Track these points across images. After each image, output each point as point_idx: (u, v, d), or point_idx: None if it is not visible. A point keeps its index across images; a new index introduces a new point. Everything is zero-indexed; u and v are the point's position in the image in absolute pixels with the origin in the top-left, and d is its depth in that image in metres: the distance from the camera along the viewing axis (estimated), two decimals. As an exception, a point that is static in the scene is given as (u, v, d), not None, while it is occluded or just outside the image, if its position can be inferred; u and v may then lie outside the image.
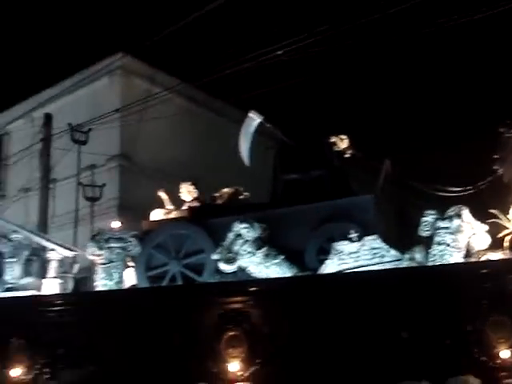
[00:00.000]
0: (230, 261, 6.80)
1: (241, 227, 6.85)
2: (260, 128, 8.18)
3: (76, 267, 8.76)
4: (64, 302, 6.97)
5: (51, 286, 7.62)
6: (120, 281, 7.31)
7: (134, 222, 15.68)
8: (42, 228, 14.45)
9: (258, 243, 6.85)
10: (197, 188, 9.13)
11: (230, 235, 6.89)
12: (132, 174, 16.56)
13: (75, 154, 16.10)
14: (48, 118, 16.28)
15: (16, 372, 6.48)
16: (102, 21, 20.41)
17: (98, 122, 15.93)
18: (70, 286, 8.45)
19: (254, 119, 8.08)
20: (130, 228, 15.30)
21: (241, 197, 8.80)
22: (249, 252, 6.79)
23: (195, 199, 8.83)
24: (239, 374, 5.91)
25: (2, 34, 20.26)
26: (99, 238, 7.42)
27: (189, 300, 6.51)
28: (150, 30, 15.17)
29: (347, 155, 7.92)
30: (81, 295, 7.64)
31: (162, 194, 9.20)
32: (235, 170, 17.15)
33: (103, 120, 15.94)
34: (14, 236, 8.04)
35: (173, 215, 8.35)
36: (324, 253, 6.87)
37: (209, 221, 7.49)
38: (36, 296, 7.42)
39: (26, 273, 7.85)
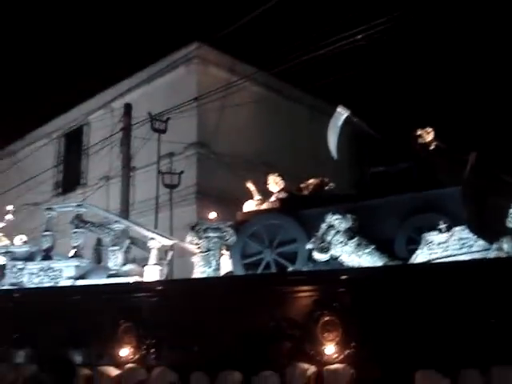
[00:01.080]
0: (323, 250, 7.41)
1: (333, 218, 7.43)
2: (347, 122, 8.67)
3: (170, 254, 9.56)
4: (165, 288, 7.71)
5: (152, 272, 8.42)
6: (217, 268, 8.02)
7: (212, 209, 16.68)
8: (124, 215, 15.36)
9: (350, 233, 7.42)
10: (283, 179, 9.70)
11: (323, 226, 7.47)
12: (209, 162, 17.32)
13: (154, 142, 17.00)
14: (128, 108, 17.19)
15: (124, 352, 7.20)
16: (178, 11, 21.19)
17: (177, 110, 16.77)
18: (166, 272, 9.26)
19: (342, 113, 8.58)
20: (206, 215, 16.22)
21: (326, 187, 9.30)
22: (341, 242, 7.38)
23: (282, 190, 9.38)
24: (334, 356, 6.50)
25: (81, 26, 21.37)
26: (198, 228, 8.12)
27: (284, 287, 7.11)
28: (225, 19, 15.82)
29: (433, 147, 8.33)
30: (181, 281, 8.37)
31: (250, 185, 9.77)
32: (312, 156, 17.82)
33: (181, 109, 16.79)
34: (115, 226, 8.87)
35: (264, 206, 8.97)
36: (413, 243, 7.38)
37: (300, 211, 8.12)
38: (139, 282, 8.22)
39: (128, 260, 8.68)
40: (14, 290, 8.27)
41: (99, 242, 9.72)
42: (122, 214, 15.06)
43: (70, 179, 20.30)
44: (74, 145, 20.43)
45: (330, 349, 6.52)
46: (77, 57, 21.68)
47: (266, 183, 9.71)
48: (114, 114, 18.69)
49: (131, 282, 8.24)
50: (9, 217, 10.91)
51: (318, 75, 16.89)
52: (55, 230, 9.19)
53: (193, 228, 8.13)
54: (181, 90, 17.55)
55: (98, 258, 12.47)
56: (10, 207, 10.96)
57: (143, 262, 8.98)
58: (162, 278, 8.66)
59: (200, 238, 8.02)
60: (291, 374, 6.46)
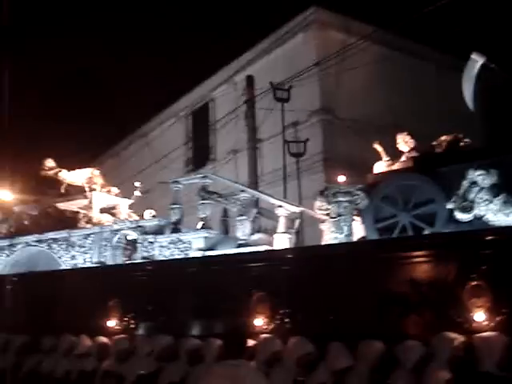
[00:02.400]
0: (466, 209, 6.71)
1: (476, 174, 6.69)
2: (483, 69, 7.80)
3: (297, 222, 9.27)
4: (297, 256, 7.38)
5: (281, 240, 8.15)
6: (350, 233, 7.58)
7: (340, 175, 16.21)
8: (253, 187, 15.33)
9: (495, 190, 6.65)
10: (413, 138, 9.04)
11: (464, 183, 6.76)
12: (334, 127, 16.78)
13: (278, 112, 16.73)
14: (250, 80, 17.03)
15: (259, 322, 6.98)
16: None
17: (298, 78, 16.35)
18: (294, 240, 8.97)
19: (477, 60, 7.72)
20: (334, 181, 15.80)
21: (461, 144, 8.53)
22: (485, 200, 6.63)
23: (413, 149, 8.74)
24: (485, 323, 5.88)
25: (198, 5, 21.47)
26: (328, 192, 7.72)
27: (424, 251, 6.53)
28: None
29: None
30: (313, 249, 8.00)
31: (377, 146, 9.22)
32: (440, 114, 16.73)
33: (302, 76, 16.34)
34: (241, 196, 8.67)
35: (396, 166, 8.38)
36: None
37: (436, 170, 7.42)
38: (271, 250, 7.97)
39: (256, 229, 8.47)
40: (146, 263, 8.35)
41: (225, 213, 9.61)
42: (250, 185, 14.99)
43: (200, 155, 20.60)
44: (201, 121, 20.67)
45: (479, 316, 5.89)
46: (196, 34, 21.86)
47: (393, 145, 9.11)
48: (237, 88, 18.65)
49: (263, 250, 8.01)
50: (137, 193, 11.15)
51: (443, 28, 15.75)
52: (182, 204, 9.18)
53: (322, 193, 7.71)
54: (301, 57, 17.11)
55: (225, 228, 12.50)
56: (137, 184, 11.20)
57: (269, 232, 8.76)
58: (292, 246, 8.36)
59: (330, 203, 7.60)
60: (437, 344, 5.91)
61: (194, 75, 20.06)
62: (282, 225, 8.33)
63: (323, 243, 8.64)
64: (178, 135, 20.87)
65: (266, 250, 8.00)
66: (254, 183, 15.81)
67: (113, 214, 10.50)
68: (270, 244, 8.20)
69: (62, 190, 10.47)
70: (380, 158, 9.21)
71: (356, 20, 17.46)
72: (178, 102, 21.07)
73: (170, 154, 19.10)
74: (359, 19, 17.46)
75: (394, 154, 9.18)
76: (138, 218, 10.36)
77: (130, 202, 10.97)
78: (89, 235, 9.32)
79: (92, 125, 21.02)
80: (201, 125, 20.60)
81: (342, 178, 8.35)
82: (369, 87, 17.04)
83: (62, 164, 12.09)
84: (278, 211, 8.41)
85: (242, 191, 8.77)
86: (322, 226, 8.74)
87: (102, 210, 10.40)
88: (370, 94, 16.97)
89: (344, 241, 7.51)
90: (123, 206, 10.76)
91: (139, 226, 8.89)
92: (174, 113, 21.35)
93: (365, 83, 17.00)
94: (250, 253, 7.97)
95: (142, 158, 20.89)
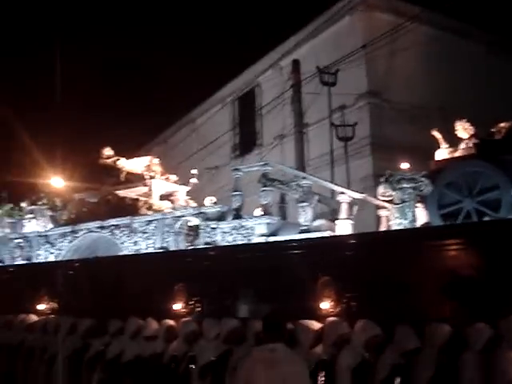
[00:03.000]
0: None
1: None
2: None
3: (355, 209, 9.31)
4: (362, 241, 7.47)
5: (343, 226, 8.26)
6: (413, 219, 7.65)
7: (388, 159, 16.10)
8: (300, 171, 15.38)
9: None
10: (472, 125, 8.98)
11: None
12: (382, 111, 16.65)
13: (324, 96, 16.69)
14: (296, 64, 17.02)
15: (325, 305, 7.11)
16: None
17: (345, 61, 16.28)
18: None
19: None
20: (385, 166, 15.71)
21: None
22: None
23: (472, 136, 8.69)
24: None
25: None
26: (392, 179, 7.78)
27: (489, 236, 6.55)
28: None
29: None
30: (376, 234, 8.08)
31: (436, 133, 9.17)
32: (491, 97, 16.47)
33: (349, 59, 16.27)
34: (303, 182, 8.78)
35: (458, 153, 8.38)
36: None
37: (501, 156, 7.43)
38: (334, 236, 8.10)
39: (317, 215, 8.58)
40: (210, 248, 8.55)
41: (282, 200, 9.73)
42: (298, 170, 15.09)
43: (247, 141, 20.71)
44: (247, 107, 20.75)
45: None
46: (242, 20, 21.91)
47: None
48: (283, 73, 18.68)
49: (328, 236, 8.12)
50: (193, 180, 11.35)
51: (493, 8, 15.48)
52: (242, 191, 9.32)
53: (387, 179, 7.78)
54: (347, 39, 16.99)
55: (283, 214, 12.62)
56: (194, 171, 11.40)
57: (327, 217, 8.86)
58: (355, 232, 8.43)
59: (394, 190, 7.67)
60: (507, 327, 5.95)
61: (239, 61, 20.16)
62: (344, 211, 8.42)
63: (382, 229, 8.75)
64: (224, 121, 21.01)
65: (331, 236, 8.10)
66: (300, 168, 15.88)
67: (171, 201, 10.75)
68: (331, 230, 8.30)
69: (122, 178, 10.75)
70: (438, 145, 9.17)
71: (402, 0, 17.31)
72: (224, 88, 21.20)
73: (216, 140, 19.30)
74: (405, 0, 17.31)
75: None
76: (195, 204, 10.57)
77: (188, 188, 11.18)
78: (151, 221, 9.56)
79: (140, 112, 21.35)
80: (247, 110, 20.70)
81: (405, 165, 8.36)
82: (417, 69, 16.87)
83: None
84: (340, 197, 8.50)
85: (304, 178, 8.87)
86: (381, 212, 8.82)
87: (161, 197, 10.65)
88: (418, 76, 16.80)
89: (408, 226, 7.58)
90: (181, 192, 11.00)
91: (201, 213, 9.08)
92: (221, 99, 21.47)
93: (413, 65, 16.84)
94: (315, 238, 8.05)
95: (189, 144, 21.12)
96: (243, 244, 8.34)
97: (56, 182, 13.36)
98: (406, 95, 16.45)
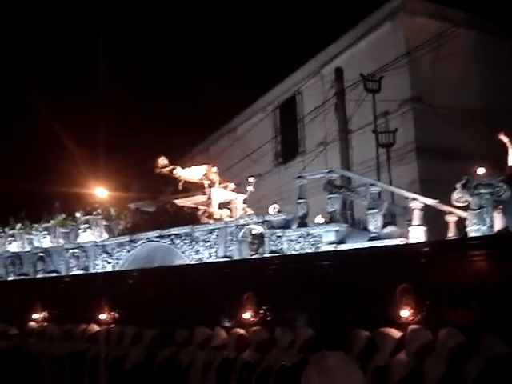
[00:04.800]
0: None
1: None
2: None
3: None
4: (436, 248, 7.25)
5: (416, 233, 8.04)
6: (491, 225, 7.38)
7: (434, 164, 15.82)
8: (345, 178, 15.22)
9: None
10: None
11: None
12: (426, 116, 16.41)
13: (366, 103, 16.55)
14: (339, 72, 16.88)
15: (405, 313, 6.88)
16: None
17: (388, 68, 16.13)
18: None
19: None
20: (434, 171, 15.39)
21: None
22: None
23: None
24: None
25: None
26: (469, 184, 7.53)
27: None
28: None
29: None
30: (454, 241, 7.81)
31: (503, 137, 8.89)
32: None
33: (393, 65, 16.11)
34: (372, 189, 8.60)
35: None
36: None
37: None
38: (407, 244, 7.88)
39: (388, 222, 8.38)
40: (279, 257, 8.38)
41: (344, 207, 9.55)
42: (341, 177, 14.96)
43: (289, 148, 20.60)
44: (288, 115, 20.65)
45: None
46: (282, 29, 21.86)
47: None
48: (325, 81, 18.56)
49: (404, 243, 7.91)
50: (250, 188, 11.23)
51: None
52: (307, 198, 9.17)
53: (464, 185, 7.53)
54: (389, 46, 16.87)
55: (345, 221, 12.36)
56: (251, 179, 11.28)
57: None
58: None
59: (471, 195, 7.42)
60: None
61: (280, 70, 20.12)
62: (416, 217, 8.20)
63: (451, 235, 8.51)
64: (266, 129, 20.95)
65: (407, 243, 7.89)
66: (345, 175, 15.70)
67: (230, 209, 10.65)
68: (402, 236, 8.10)
69: (180, 187, 10.67)
70: (506, 149, 8.89)
71: (445, 5, 17.09)
72: (264, 96, 21.17)
73: (259, 148, 19.23)
74: (448, 4, 17.08)
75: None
76: (252, 212, 10.45)
77: (245, 196, 11.07)
78: (213, 230, 9.47)
79: (181, 122, 21.39)
80: (288, 118, 20.61)
81: (481, 170, 8.10)
82: (461, 73, 16.58)
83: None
84: (412, 204, 8.29)
85: (372, 184, 8.69)
86: (449, 218, 8.58)
87: (220, 205, 10.55)
88: (462, 80, 16.50)
89: (486, 232, 7.32)
90: (239, 200, 10.89)
91: (265, 221, 8.94)
92: (262, 107, 21.44)
93: (458, 70, 16.56)
94: (389, 246, 7.83)
95: (232, 152, 21.10)
96: (313, 252, 8.16)
97: (100, 192, 13.38)
98: (451, 100, 16.19)
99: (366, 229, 8.54)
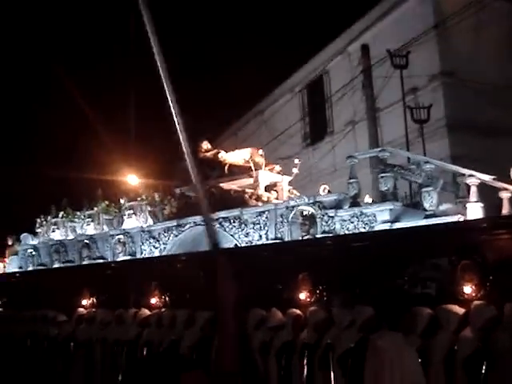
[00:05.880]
0: None
1: None
2: None
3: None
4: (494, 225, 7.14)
5: (474, 210, 7.95)
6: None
7: (466, 140, 15.56)
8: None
9: None
10: None
11: None
12: (458, 91, 16.08)
13: (395, 79, 16.30)
14: (365, 49, 16.70)
15: (467, 289, 6.74)
16: None
17: (416, 42, 15.87)
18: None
19: None
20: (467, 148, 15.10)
21: None
22: None
23: None
24: None
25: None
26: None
27: None
28: None
29: None
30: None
31: None
32: None
33: (420, 41, 15.85)
34: (427, 166, 8.50)
35: None
36: None
37: None
38: (466, 220, 7.77)
39: (443, 199, 8.28)
40: (334, 237, 8.34)
41: (395, 185, 9.46)
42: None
43: (317, 129, 20.39)
44: (316, 95, 20.42)
45: None
46: (306, 7, 21.56)
47: None
48: (351, 59, 18.31)
49: (463, 220, 7.81)
50: (295, 170, 11.16)
51: None
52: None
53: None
54: (416, 19, 16.48)
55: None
56: (296, 161, 11.20)
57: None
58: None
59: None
60: None
61: (305, 49, 19.84)
62: (474, 194, 8.11)
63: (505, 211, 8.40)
64: (293, 110, 20.73)
65: (466, 220, 7.80)
66: (375, 153, 15.55)
67: (276, 191, 10.61)
68: (458, 214, 8.01)
69: (226, 171, 10.64)
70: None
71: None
72: (291, 77, 20.95)
73: (286, 130, 19.11)
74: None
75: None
76: (298, 194, 10.41)
77: (290, 178, 11.02)
78: (263, 212, 9.44)
79: (208, 106, 21.27)
80: (316, 98, 20.37)
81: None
82: (494, 46, 16.20)
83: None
84: (469, 180, 8.19)
85: (426, 162, 8.60)
86: (503, 194, 8.47)
87: (266, 188, 10.52)
88: (495, 53, 16.15)
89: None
90: (284, 182, 10.85)
91: (316, 202, 8.90)
92: (289, 88, 21.21)
93: (489, 42, 16.16)
94: (449, 223, 7.74)
95: (260, 135, 20.96)
96: (371, 231, 8.11)
97: (132, 179, 13.41)
98: (483, 74, 15.75)
99: (416, 206, 8.46)
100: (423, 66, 16.24)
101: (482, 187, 8.87)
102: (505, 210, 8.34)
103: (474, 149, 14.72)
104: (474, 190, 8.12)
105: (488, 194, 8.69)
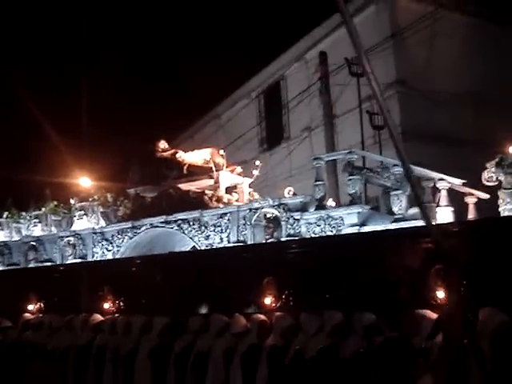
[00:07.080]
0: None
1: None
2: None
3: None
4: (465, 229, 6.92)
5: (444, 214, 7.70)
6: (524, 204, 7.12)
7: (420, 148, 15.58)
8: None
9: None
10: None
11: None
12: (412, 99, 16.17)
13: (352, 87, 16.23)
14: (323, 56, 16.49)
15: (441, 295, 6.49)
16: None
17: (373, 51, 15.79)
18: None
19: None
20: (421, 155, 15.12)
21: None
22: None
23: None
24: None
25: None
26: (503, 163, 7.22)
27: None
28: None
29: None
30: (483, 221, 7.49)
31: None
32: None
33: (377, 49, 15.78)
34: (396, 169, 8.21)
35: None
36: None
37: None
38: (438, 225, 7.45)
39: (412, 203, 8.00)
40: (301, 240, 7.91)
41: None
42: (328, 162, 14.62)
43: (274, 134, 20.14)
44: (273, 101, 20.14)
45: None
46: (264, 13, 21.29)
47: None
48: (309, 65, 18.15)
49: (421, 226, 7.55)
50: (256, 172, 10.74)
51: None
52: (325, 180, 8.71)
53: (497, 164, 7.22)
54: (374, 29, 16.43)
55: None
56: (257, 163, 10.78)
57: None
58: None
59: (505, 174, 7.10)
60: None
61: (263, 55, 19.55)
62: (444, 198, 7.87)
63: (471, 216, 8.22)
64: (250, 115, 20.37)
65: (437, 224, 7.51)
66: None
67: (236, 193, 10.14)
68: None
69: (185, 171, 10.12)
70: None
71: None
72: (249, 82, 20.60)
73: (244, 135, 18.72)
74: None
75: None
76: (258, 196, 9.98)
77: (251, 180, 10.57)
78: (225, 214, 8.96)
79: (165, 109, 20.71)
80: (273, 104, 20.12)
81: (512, 150, 7.80)
82: (448, 57, 16.34)
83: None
84: (440, 184, 7.94)
85: (395, 165, 8.30)
86: (469, 200, 8.29)
87: (226, 190, 10.05)
88: (449, 64, 16.28)
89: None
90: (245, 184, 10.39)
91: (281, 204, 8.49)
92: (246, 93, 20.88)
93: (444, 53, 16.30)
94: (419, 226, 7.45)
95: (216, 139, 20.48)
96: (339, 234, 7.73)
97: (84, 181, 12.78)
98: (439, 83, 15.96)
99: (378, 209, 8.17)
100: (379, 75, 15.76)
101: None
102: (471, 215, 8.15)
103: (426, 156, 14.74)
104: (444, 194, 7.89)
105: (454, 200, 8.51)
